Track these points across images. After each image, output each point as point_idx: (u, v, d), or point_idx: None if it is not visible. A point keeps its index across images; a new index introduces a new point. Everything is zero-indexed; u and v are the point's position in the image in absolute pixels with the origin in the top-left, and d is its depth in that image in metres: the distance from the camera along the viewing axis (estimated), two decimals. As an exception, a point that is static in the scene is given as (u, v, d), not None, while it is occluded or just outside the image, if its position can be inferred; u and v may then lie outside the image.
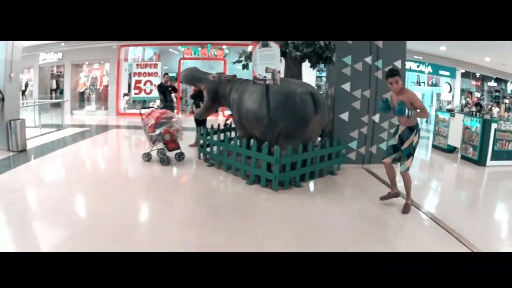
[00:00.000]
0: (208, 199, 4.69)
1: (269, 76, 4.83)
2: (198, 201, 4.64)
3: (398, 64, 6.42)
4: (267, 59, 4.90)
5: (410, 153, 4.31)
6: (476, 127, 8.23)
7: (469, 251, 3.37)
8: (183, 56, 14.32)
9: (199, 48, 14.04)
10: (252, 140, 5.65)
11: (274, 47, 4.82)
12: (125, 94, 14.37)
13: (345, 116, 6.21)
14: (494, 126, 7.97)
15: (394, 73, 4.19)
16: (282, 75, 6.20)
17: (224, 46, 14.15)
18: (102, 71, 15.32)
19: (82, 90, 15.49)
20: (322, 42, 6.08)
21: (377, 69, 6.28)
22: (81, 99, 15.57)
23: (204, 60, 14.25)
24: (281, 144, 5.06)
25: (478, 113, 8.60)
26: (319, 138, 6.21)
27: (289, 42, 6.17)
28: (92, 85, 15.44)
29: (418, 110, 4.20)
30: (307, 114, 5.08)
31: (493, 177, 7.29)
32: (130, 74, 14.26)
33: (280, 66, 4.91)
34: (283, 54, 6.25)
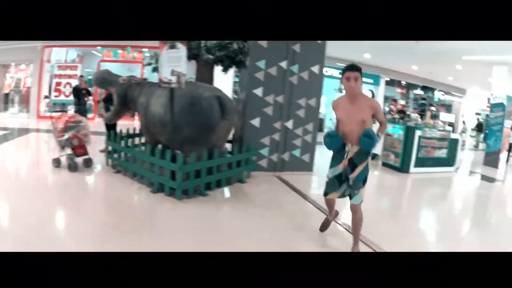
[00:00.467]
0: (108, 209, 4.63)
1: (174, 79, 4.83)
2: (97, 210, 4.55)
3: (315, 69, 6.70)
4: (173, 62, 4.90)
5: (365, 178, 3.55)
6: (399, 134, 8.62)
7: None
8: (103, 59, 14.45)
9: (119, 51, 14.21)
10: (159, 146, 5.67)
11: (181, 49, 4.82)
12: (45, 97, 13.97)
13: (256, 122, 6.33)
14: (418, 133, 8.44)
15: (356, 67, 3.35)
16: (194, 79, 6.21)
17: (145, 49, 14.14)
18: (26, 72, 14.80)
19: (7, 92, 14.91)
20: (235, 45, 6.15)
21: (292, 74, 6.49)
22: (5, 101, 15.11)
23: (124, 63, 14.50)
24: (186, 150, 5.07)
25: (401, 120, 9.02)
26: (229, 144, 6.26)
27: (202, 44, 6.18)
28: (16, 87, 14.88)
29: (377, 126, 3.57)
30: (213, 119, 5.15)
31: (416, 183, 7.79)
32: (51, 76, 13.83)
33: (186, 68, 4.91)
34: (195, 57, 6.29)
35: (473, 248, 4.23)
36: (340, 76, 3.46)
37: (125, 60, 14.43)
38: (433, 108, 23.49)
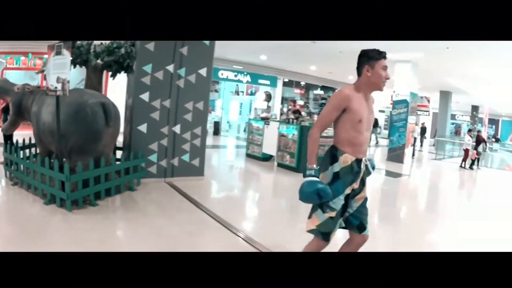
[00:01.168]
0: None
1: (59, 86, 5.81)
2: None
3: (203, 72, 8.37)
4: (58, 68, 5.88)
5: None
6: (293, 134, 10.51)
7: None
8: (6, 66, 15.58)
9: (22, 57, 15.47)
10: (53, 156, 6.70)
11: (66, 55, 5.82)
12: None
13: (143, 127, 7.80)
14: (312, 132, 10.36)
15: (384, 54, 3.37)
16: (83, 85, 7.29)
17: (45, 56, 14.89)
18: None
19: None
20: (123, 50, 7.35)
21: (180, 77, 8.09)
22: None
23: (27, 70, 15.70)
24: (73, 159, 6.23)
25: (295, 120, 10.98)
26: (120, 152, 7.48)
27: (91, 49, 7.34)
28: None
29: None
30: (99, 127, 6.34)
31: None
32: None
33: (70, 75, 5.92)
34: (85, 62, 7.39)
35: (382, 244, 5.62)
36: (365, 62, 3.40)
37: (27, 67, 15.80)
38: None
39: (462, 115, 43.74)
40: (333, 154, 3.37)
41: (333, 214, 3.30)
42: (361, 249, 3.54)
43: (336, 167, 3.33)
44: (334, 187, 3.28)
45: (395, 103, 16.38)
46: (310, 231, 3.40)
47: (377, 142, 24.83)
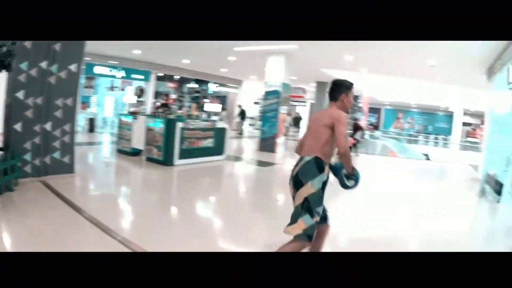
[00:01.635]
0: None
1: None
2: None
3: (73, 68, 9.78)
4: None
5: None
6: (160, 127, 12.27)
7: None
8: None
9: None
10: None
11: None
12: None
13: (18, 126, 8.93)
14: (180, 125, 12.45)
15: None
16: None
17: None
18: None
19: None
20: (5, 48, 7.84)
21: (51, 74, 9.35)
22: None
23: None
24: None
25: (162, 114, 12.75)
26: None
27: None
28: None
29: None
30: None
31: (181, 175, 11.65)
32: None
33: None
34: None
35: (262, 230, 7.31)
36: (343, 91, 4.83)
37: None
38: (206, 100, 30.92)
39: (351, 107, 48.12)
40: (320, 165, 4.47)
41: (318, 218, 4.43)
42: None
43: (324, 177, 4.47)
44: (322, 194, 4.48)
45: (267, 94, 19.18)
46: (298, 236, 4.29)
47: (240, 133, 28.22)
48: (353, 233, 7.60)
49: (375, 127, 44.77)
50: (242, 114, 28.12)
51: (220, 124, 14.78)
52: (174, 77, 32.16)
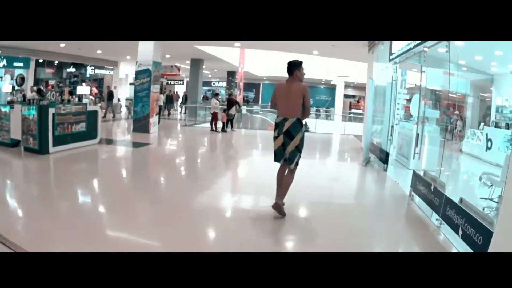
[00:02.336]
0: None
1: None
2: None
3: None
4: None
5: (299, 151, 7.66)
6: (33, 115, 12.55)
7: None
8: None
9: None
10: None
11: None
12: None
13: None
14: (51, 111, 12.76)
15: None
16: None
17: None
18: None
19: None
20: None
21: None
22: None
23: None
24: None
25: (35, 101, 13.02)
26: None
27: None
28: None
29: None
30: None
31: (56, 163, 11.97)
32: None
33: None
34: None
35: (140, 208, 8.19)
36: (296, 68, 7.57)
37: None
38: (84, 84, 31.38)
39: (219, 81, 49.58)
40: (301, 123, 7.52)
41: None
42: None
43: (303, 130, 7.58)
44: (303, 140, 7.64)
45: (138, 74, 19.88)
46: (295, 166, 7.62)
47: (104, 116, 28.05)
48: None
49: (247, 101, 46.66)
50: (110, 96, 28.38)
51: (91, 107, 15.15)
52: (55, 63, 32.34)
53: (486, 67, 19.23)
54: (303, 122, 7.62)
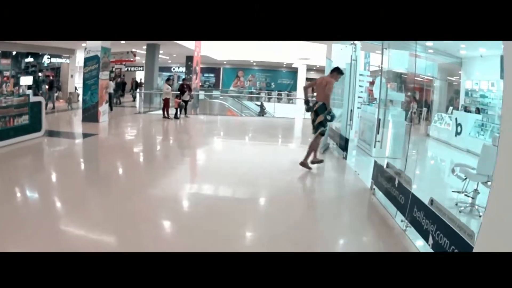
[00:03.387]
0: None
1: None
2: None
3: None
4: None
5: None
6: None
7: None
8: None
9: None
10: None
11: None
12: None
13: None
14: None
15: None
16: None
17: None
18: None
19: None
20: None
21: None
22: None
23: None
24: None
25: None
26: None
27: None
28: None
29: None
30: None
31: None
32: None
33: None
34: None
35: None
36: (334, 70, 10.79)
37: None
38: (40, 74, 30.95)
39: (179, 67, 48.71)
40: (325, 106, 10.42)
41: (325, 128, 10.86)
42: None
43: (326, 112, 10.47)
44: (327, 119, 10.65)
45: (86, 61, 18.83)
46: (317, 135, 10.59)
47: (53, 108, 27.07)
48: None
49: (201, 86, 46.10)
50: (51, 85, 27.49)
51: (35, 98, 14.29)
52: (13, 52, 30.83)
53: (454, 50, 19.05)
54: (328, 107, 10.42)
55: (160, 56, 35.63)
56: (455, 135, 16.34)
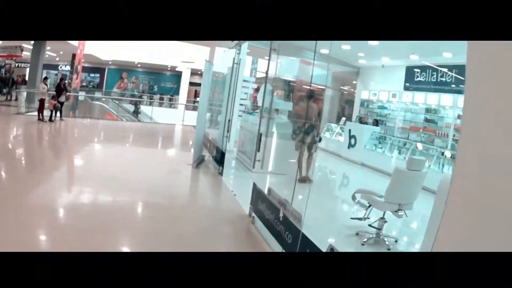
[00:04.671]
0: None
1: None
2: None
3: None
4: None
5: None
6: None
7: None
8: None
9: None
10: None
11: None
12: None
13: None
14: None
15: None
16: None
17: None
18: None
19: None
20: None
21: None
22: None
23: None
24: None
25: None
26: None
27: None
28: None
29: None
30: None
31: None
32: None
33: None
34: None
35: None
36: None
37: None
38: None
39: (66, 65, 45.64)
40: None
41: None
42: None
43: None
44: None
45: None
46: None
47: None
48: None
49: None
50: None
51: None
52: None
53: (352, 59, 18.27)
54: None
55: (47, 52, 33.18)
56: (348, 147, 15.25)
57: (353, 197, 7.11)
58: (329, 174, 14.21)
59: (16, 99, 27.31)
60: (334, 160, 15.37)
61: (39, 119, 17.96)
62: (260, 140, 9.79)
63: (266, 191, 6.64)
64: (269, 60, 10.85)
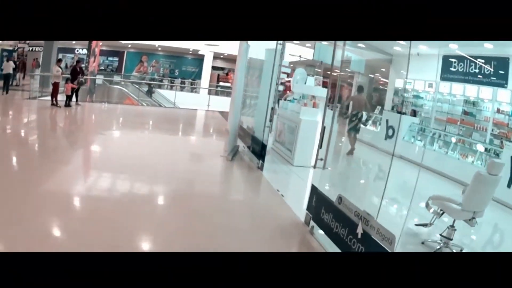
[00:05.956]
0: None
1: None
2: None
3: None
4: None
5: None
6: None
7: None
8: None
9: None
10: None
11: None
12: None
13: None
14: None
15: None
16: None
17: None
18: None
19: None
20: None
21: None
22: None
23: None
24: None
25: None
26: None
27: None
28: None
29: None
30: None
31: None
32: None
33: None
34: None
35: None
36: None
37: None
38: None
39: (83, 49, 44.93)
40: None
41: None
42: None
43: None
44: None
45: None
46: None
47: None
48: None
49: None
50: None
51: None
52: None
53: (387, 45, 17.09)
54: None
55: (64, 35, 31.53)
56: (385, 138, 14.05)
57: (427, 204, 6.32)
58: (379, 172, 12.55)
59: (17, 85, 25.83)
60: (372, 153, 14.09)
61: (52, 104, 16.66)
62: (323, 134, 8.37)
63: (324, 191, 5.81)
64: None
